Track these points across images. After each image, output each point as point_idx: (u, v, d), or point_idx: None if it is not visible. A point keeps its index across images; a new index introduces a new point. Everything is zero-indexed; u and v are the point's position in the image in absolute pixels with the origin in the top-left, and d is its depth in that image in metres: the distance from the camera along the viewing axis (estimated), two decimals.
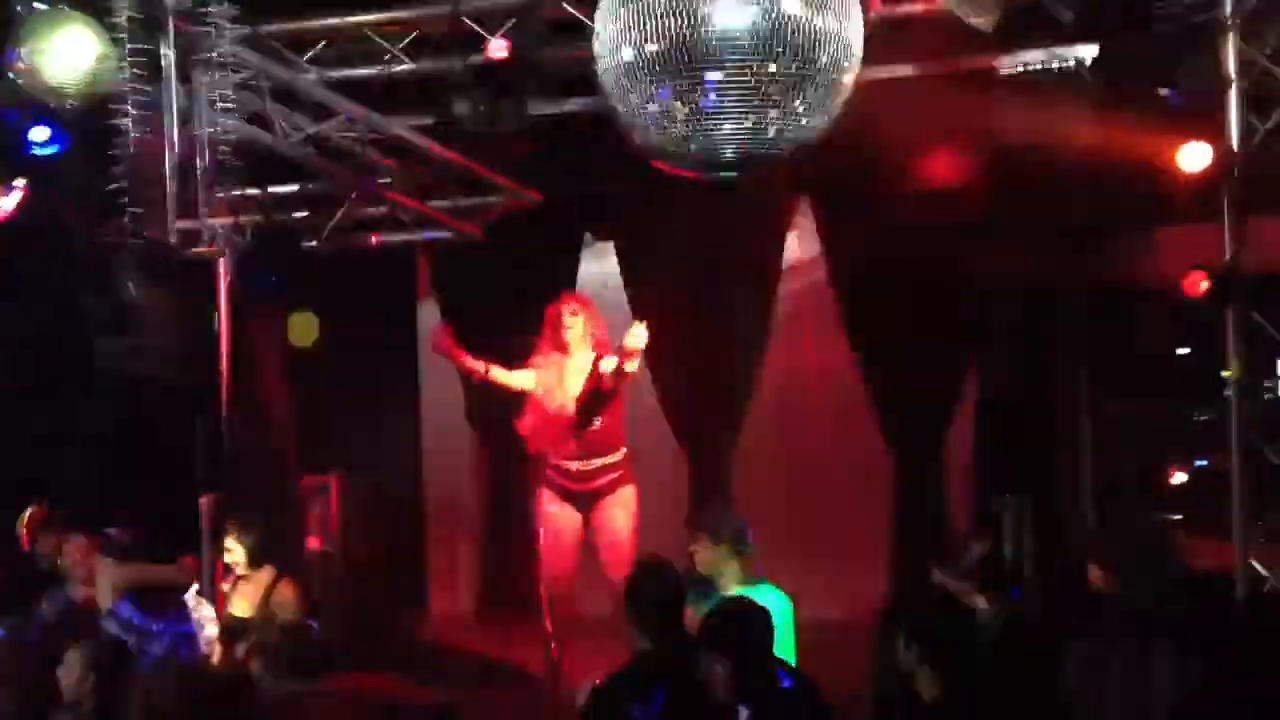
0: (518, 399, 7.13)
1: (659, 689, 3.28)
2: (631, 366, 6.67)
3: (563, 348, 6.94)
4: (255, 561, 6.20)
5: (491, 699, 6.77)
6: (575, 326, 6.91)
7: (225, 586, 6.40)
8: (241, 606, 6.17)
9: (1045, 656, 4.09)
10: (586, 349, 6.92)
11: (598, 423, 6.86)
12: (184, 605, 5.78)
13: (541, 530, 7.07)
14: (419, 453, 9.86)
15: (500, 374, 7.03)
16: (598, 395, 6.82)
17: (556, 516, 7.02)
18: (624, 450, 6.97)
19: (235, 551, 6.24)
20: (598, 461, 6.91)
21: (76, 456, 8.60)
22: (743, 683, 3.69)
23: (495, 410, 8.96)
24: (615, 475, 6.92)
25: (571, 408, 6.88)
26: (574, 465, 6.92)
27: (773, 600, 4.95)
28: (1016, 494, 7.93)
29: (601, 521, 6.94)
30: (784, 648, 4.79)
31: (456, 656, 8.14)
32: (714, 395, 8.48)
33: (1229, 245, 6.13)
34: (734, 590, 4.87)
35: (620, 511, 6.92)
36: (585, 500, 6.97)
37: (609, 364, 6.70)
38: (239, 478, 8.19)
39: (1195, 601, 4.73)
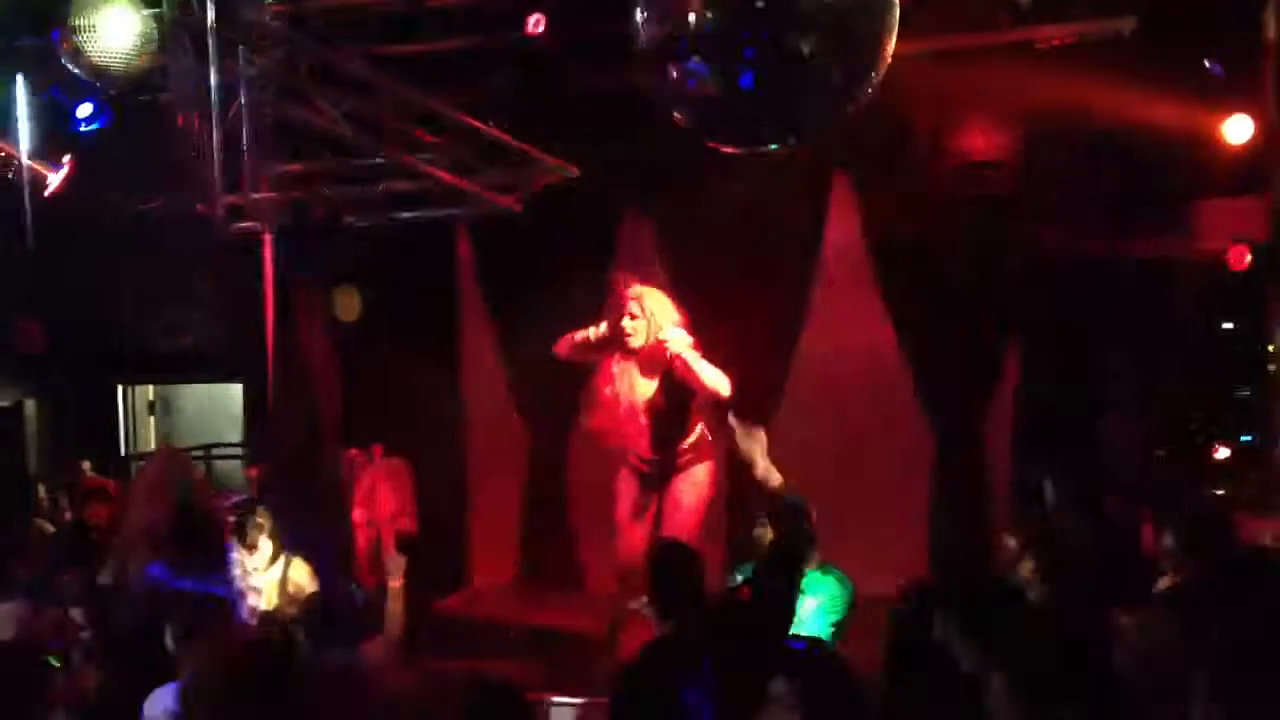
0: (581, 393, 7.19)
1: (705, 660, 3.27)
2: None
3: (629, 353, 6.94)
4: (273, 559, 6.19)
5: (539, 667, 6.85)
6: (638, 333, 6.86)
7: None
8: (262, 600, 6.17)
9: (1094, 631, 4.09)
10: (654, 343, 6.90)
11: (671, 415, 6.91)
12: (218, 565, 5.68)
13: (616, 507, 7.17)
14: (461, 425, 9.92)
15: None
16: (669, 389, 6.85)
17: (630, 496, 7.11)
18: (699, 429, 7.00)
19: (262, 549, 6.19)
20: (672, 448, 6.97)
21: (123, 426, 8.74)
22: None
23: (536, 383, 9.04)
24: (690, 455, 6.97)
25: (643, 407, 6.93)
26: (648, 455, 7.00)
27: (830, 583, 5.00)
28: (1058, 471, 7.93)
29: (669, 496, 7.02)
30: (822, 627, 4.85)
31: (500, 627, 8.22)
32: (752, 372, 8.46)
33: (1273, 219, 6.07)
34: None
35: (689, 488, 6.98)
36: (659, 479, 7.05)
37: (678, 342, 6.72)
38: (283, 450, 8.30)
39: (1250, 576, 4.72)
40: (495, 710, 3.41)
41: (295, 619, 5.05)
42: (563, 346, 7.17)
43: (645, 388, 6.92)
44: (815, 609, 4.92)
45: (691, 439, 6.97)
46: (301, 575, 6.10)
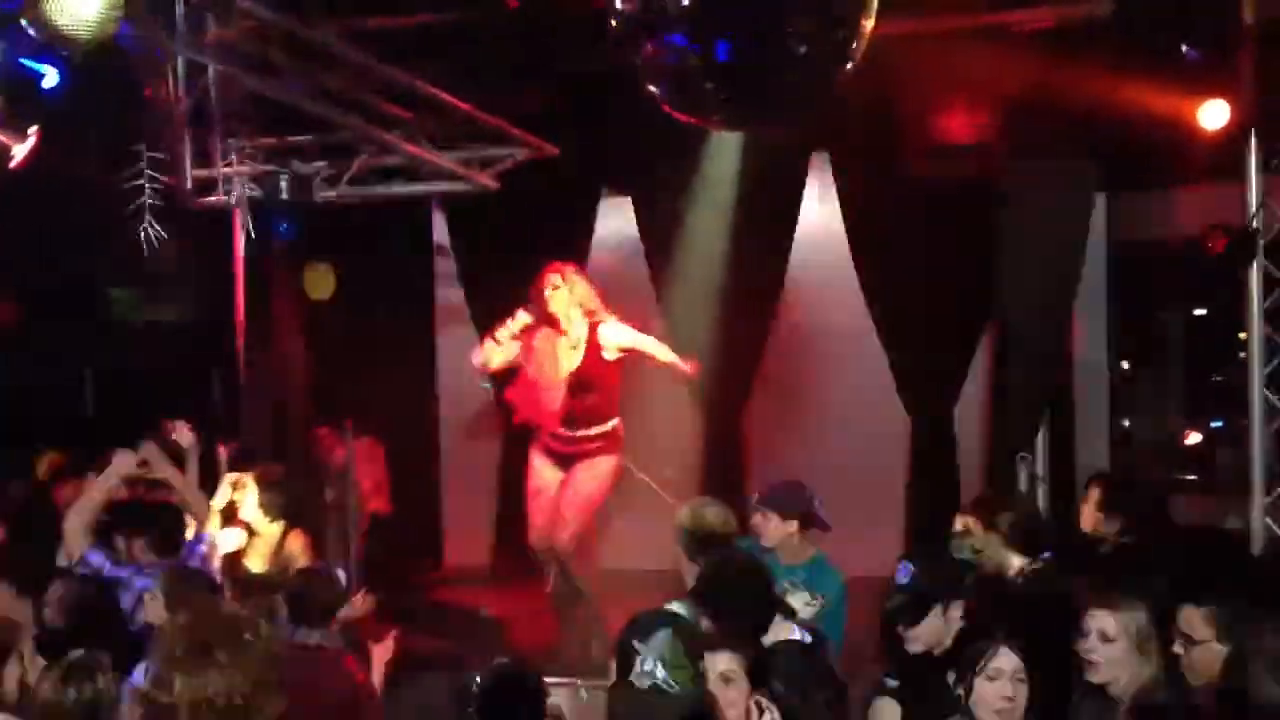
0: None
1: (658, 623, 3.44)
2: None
3: (551, 322, 6.81)
4: (271, 518, 6.18)
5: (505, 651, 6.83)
6: (556, 300, 6.70)
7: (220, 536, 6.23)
8: (255, 562, 6.15)
9: (1066, 612, 4.10)
10: (578, 321, 6.79)
11: (588, 398, 6.80)
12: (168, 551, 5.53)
13: (526, 485, 7.10)
14: (434, 405, 9.88)
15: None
16: (591, 370, 6.76)
17: (540, 473, 7.01)
18: (614, 422, 6.88)
19: (249, 506, 6.18)
20: (585, 432, 6.86)
21: (91, 404, 8.65)
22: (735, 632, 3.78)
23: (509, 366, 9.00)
24: (599, 444, 6.87)
25: (562, 383, 6.81)
26: (562, 432, 6.89)
27: (827, 576, 5.03)
28: (1031, 453, 7.95)
29: (571, 479, 6.92)
30: (833, 623, 4.86)
31: (470, 608, 8.19)
32: (727, 353, 8.44)
33: (1249, 204, 6.08)
34: (796, 564, 5.03)
35: (589, 477, 6.86)
36: (568, 461, 6.94)
37: (615, 335, 6.69)
38: (254, 427, 8.24)
39: (1200, 555, 4.76)
40: (512, 695, 3.44)
41: (280, 590, 4.97)
42: (483, 357, 7.02)
43: (568, 361, 6.82)
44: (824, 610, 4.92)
45: (604, 428, 6.86)
46: (296, 549, 6.07)
